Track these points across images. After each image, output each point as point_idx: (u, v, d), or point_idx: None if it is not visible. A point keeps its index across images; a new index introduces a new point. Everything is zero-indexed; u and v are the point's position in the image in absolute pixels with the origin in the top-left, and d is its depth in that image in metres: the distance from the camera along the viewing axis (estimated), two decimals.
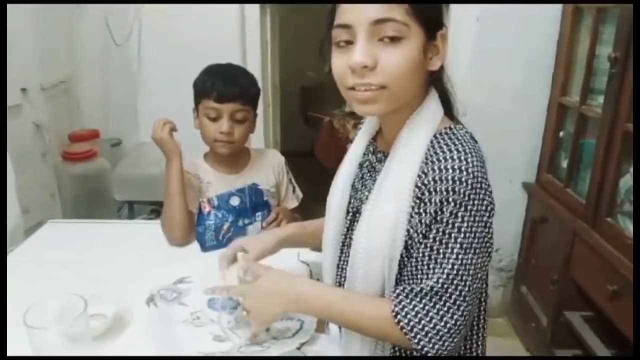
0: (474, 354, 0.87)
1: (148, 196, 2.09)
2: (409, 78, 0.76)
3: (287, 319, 1.01)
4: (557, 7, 1.96)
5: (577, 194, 1.83)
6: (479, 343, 0.88)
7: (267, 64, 2.48)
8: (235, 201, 1.33)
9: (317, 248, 1.07)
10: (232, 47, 2.21)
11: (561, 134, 2.00)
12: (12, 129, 1.62)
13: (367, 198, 0.84)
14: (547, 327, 1.96)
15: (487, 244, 0.77)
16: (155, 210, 2.11)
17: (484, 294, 0.87)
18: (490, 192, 0.77)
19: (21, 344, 0.79)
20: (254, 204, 1.36)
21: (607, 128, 1.56)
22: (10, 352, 0.84)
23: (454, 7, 2.18)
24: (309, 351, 0.95)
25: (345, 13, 0.75)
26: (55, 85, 1.98)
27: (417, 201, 0.76)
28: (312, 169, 2.78)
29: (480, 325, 0.88)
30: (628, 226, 1.50)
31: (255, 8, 2.25)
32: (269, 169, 1.50)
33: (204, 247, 1.31)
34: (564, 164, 1.95)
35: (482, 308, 0.87)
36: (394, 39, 0.73)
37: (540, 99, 2.08)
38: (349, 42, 0.75)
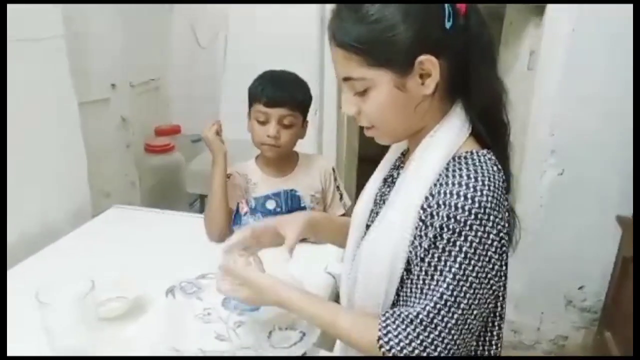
0: None
1: None
2: (394, 116, 0.77)
3: (290, 328, 1.00)
4: None
5: None
6: None
7: None
8: (271, 205, 1.34)
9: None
10: (311, 48, 2.22)
11: None
12: (100, 120, 1.80)
13: None
14: None
15: (491, 281, 0.71)
16: None
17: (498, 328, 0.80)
18: (503, 225, 0.71)
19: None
20: (290, 209, 1.36)
21: None
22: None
23: (548, 16, 1.95)
24: None
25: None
26: (145, 82, 2.17)
27: (421, 223, 0.73)
28: None
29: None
30: None
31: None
32: (315, 175, 1.49)
33: None
34: None
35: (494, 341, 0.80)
36: (363, 91, 0.76)
37: None
38: None
